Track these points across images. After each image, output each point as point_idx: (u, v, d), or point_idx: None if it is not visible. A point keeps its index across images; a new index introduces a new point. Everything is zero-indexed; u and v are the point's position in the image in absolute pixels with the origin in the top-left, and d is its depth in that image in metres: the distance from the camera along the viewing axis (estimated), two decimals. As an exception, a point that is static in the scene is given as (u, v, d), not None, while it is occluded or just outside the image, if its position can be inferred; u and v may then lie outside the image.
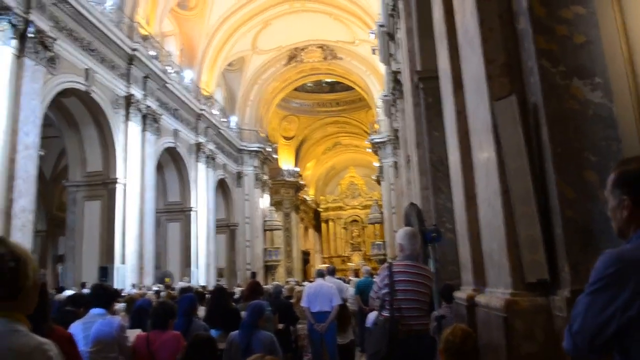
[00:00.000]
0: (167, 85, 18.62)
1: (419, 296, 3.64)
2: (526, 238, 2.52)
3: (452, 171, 4.14)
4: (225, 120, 26.05)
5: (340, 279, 12.17)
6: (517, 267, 2.57)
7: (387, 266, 3.85)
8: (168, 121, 19.37)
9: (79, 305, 5.01)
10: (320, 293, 7.36)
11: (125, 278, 14.88)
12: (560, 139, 2.39)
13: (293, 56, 28.69)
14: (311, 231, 43.22)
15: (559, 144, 2.39)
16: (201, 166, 22.31)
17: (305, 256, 38.53)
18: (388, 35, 13.60)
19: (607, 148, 2.35)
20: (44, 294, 2.65)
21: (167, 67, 18.88)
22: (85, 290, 10.84)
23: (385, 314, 3.66)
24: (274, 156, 31.78)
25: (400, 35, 9.84)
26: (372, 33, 18.55)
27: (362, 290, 9.78)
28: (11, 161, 10.85)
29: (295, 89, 33.20)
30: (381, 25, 14.41)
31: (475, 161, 3.32)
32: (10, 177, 10.80)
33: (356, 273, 23.34)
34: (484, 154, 3.02)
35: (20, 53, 11.24)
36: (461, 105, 3.64)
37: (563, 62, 2.46)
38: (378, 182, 30.02)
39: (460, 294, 3.92)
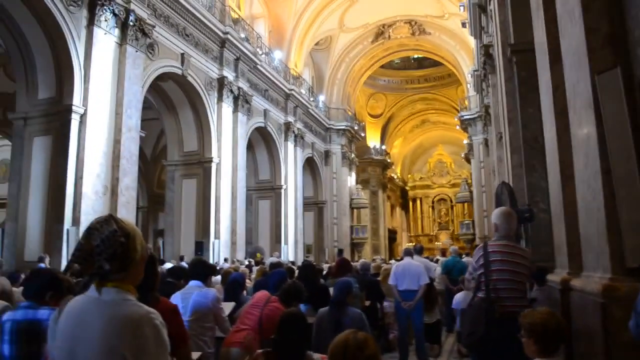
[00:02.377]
0: (258, 66, 19.07)
1: (515, 276, 3.55)
2: (628, 221, 2.37)
3: (548, 149, 3.95)
4: (313, 99, 26.33)
5: (427, 258, 12.06)
6: (617, 251, 2.43)
7: (482, 246, 3.78)
8: (258, 101, 19.90)
9: (179, 277, 5.35)
10: (408, 271, 7.34)
11: (219, 252, 15.64)
12: (670, 115, 2.21)
13: (380, 33, 28.24)
14: (398, 209, 42.93)
15: (669, 120, 2.21)
16: (290, 145, 22.78)
17: (392, 234, 38.41)
18: (479, 8, 13.01)
19: None
20: (153, 267, 2.82)
21: (257, 49, 19.32)
22: (184, 263, 11.55)
23: (481, 295, 3.61)
24: (362, 134, 31.74)
25: (492, 6, 9.40)
26: (462, 5, 17.84)
27: (450, 270, 9.65)
28: (116, 142, 11.67)
29: (382, 66, 32.73)
30: (472, -3, 13.82)
31: (573, 139, 3.14)
32: (116, 157, 11.62)
33: (443, 252, 23.00)
34: (584, 131, 2.86)
35: (122, 41, 11.98)
36: (559, 80, 3.45)
37: (675, 31, 2.25)
38: (467, 160, 29.12)
39: (554, 277, 3.77)
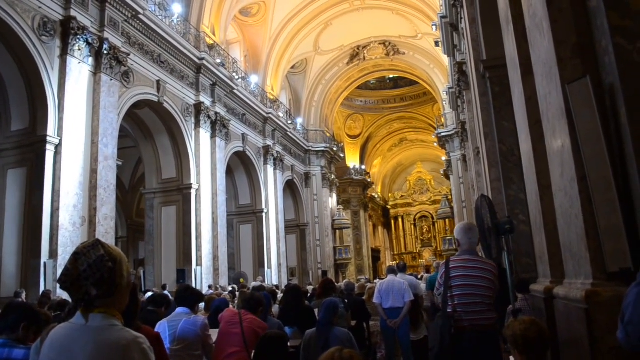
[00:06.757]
0: (234, 91, 19.11)
1: (478, 290, 3.54)
2: (607, 226, 2.39)
3: (525, 161, 4.01)
4: (291, 122, 26.43)
5: (411, 275, 12.03)
6: (597, 256, 2.46)
7: (444, 262, 3.81)
8: (236, 126, 19.89)
9: (160, 305, 5.25)
10: (392, 289, 7.32)
11: (201, 279, 15.42)
12: (641, 120, 2.26)
13: (355, 54, 28.66)
14: (380, 229, 43.00)
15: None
16: (270, 168, 22.76)
17: (376, 254, 38.38)
18: (451, 26, 13.29)
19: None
20: (134, 294, 2.78)
21: (233, 74, 19.38)
22: (166, 292, 11.35)
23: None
24: (341, 155, 31.90)
25: (464, 24, 9.61)
26: (434, 25, 18.22)
27: (435, 286, 9.64)
28: (93, 172, 11.51)
29: (359, 87, 33.15)
30: (443, 17, 14.11)
31: (548, 149, 3.19)
32: (93, 187, 11.44)
33: (427, 269, 23.02)
34: (558, 141, 2.90)
35: (97, 70, 11.90)
36: (531, 92, 3.51)
37: (640, 39, 2.32)
38: (446, 176, 29.44)
39: (538, 287, 3.79)
